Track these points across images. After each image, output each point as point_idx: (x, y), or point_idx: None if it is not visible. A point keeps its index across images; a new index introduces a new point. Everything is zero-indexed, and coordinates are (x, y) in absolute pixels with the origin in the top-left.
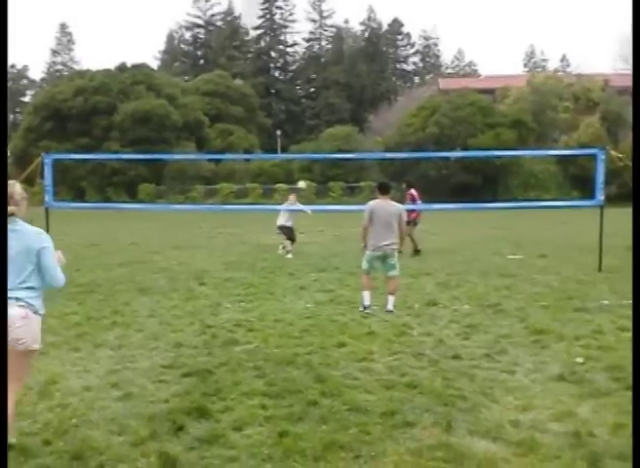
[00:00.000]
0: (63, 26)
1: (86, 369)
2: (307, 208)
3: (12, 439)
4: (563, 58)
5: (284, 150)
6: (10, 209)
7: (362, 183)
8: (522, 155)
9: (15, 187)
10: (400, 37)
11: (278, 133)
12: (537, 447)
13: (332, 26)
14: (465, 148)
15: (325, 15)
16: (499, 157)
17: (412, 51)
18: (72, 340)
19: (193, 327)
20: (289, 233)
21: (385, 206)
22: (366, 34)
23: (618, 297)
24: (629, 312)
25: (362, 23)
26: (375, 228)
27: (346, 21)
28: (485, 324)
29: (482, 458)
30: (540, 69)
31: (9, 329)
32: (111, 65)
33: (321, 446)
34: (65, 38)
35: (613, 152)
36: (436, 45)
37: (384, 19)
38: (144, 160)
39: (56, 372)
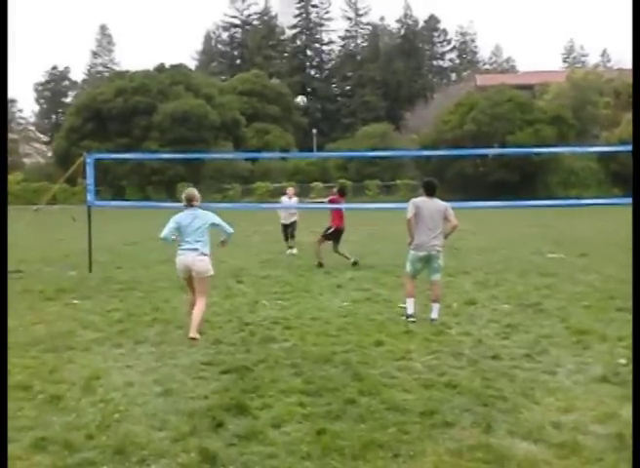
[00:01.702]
0: (103, 28)
1: (127, 364)
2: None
3: (194, 334)
4: (603, 53)
5: (320, 149)
6: (193, 203)
7: (398, 182)
8: (560, 152)
9: (194, 191)
10: (436, 34)
11: (314, 131)
12: (579, 449)
13: (368, 24)
14: (503, 145)
15: (361, 12)
16: (537, 154)
17: (448, 47)
18: (114, 337)
19: (231, 324)
20: (290, 231)
21: (431, 204)
22: (402, 31)
23: None
24: None
25: (398, 21)
26: (419, 227)
27: (382, 19)
28: (525, 324)
29: (522, 460)
30: (579, 64)
31: (192, 265)
32: (150, 66)
33: (359, 444)
34: (105, 40)
35: None
36: (473, 41)
37: (421, 16)
38: (183, 159)
39: (99, 368)
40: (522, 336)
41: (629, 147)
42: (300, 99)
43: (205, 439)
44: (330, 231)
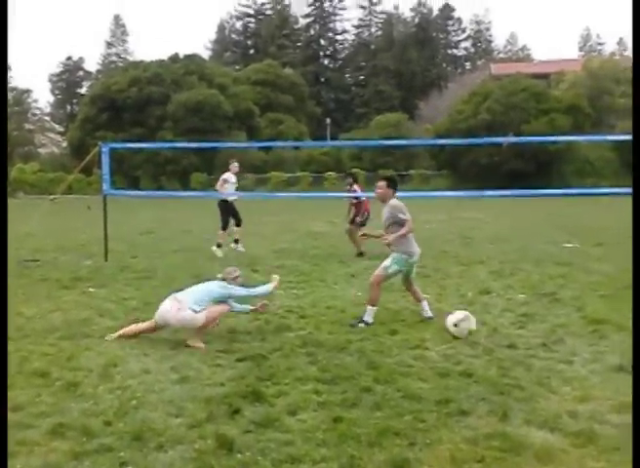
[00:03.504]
0: (117, 18)
1: (144, 352)
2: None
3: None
4: (620, 42)
5: (333, 138)
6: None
7: (412, 171)
8: (575, 140)
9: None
10: (451, 22)
11: (328, 121)
12: (595, 438)
13: (381, 13)
14: (518, 135)
15: (375, 1)
16: (553, 143)
17: (463, 36)
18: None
19: (246, 313)
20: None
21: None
22: (416, 20)
23: None
24: None
25: (412, 9)
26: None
27: (396, 8)
28: (541, 313)
29: (539, 448)
30: (596, 53)
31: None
32: (164, 56)
33: (375, 432)
34: (119, 30)
35: None
36: (488, 29)
37: (435, 5)
38: (197, 149)
39: (115, 356)
40: (538, 326)
41: None
42: None
43: (222, 425)
44: (363, 218)
